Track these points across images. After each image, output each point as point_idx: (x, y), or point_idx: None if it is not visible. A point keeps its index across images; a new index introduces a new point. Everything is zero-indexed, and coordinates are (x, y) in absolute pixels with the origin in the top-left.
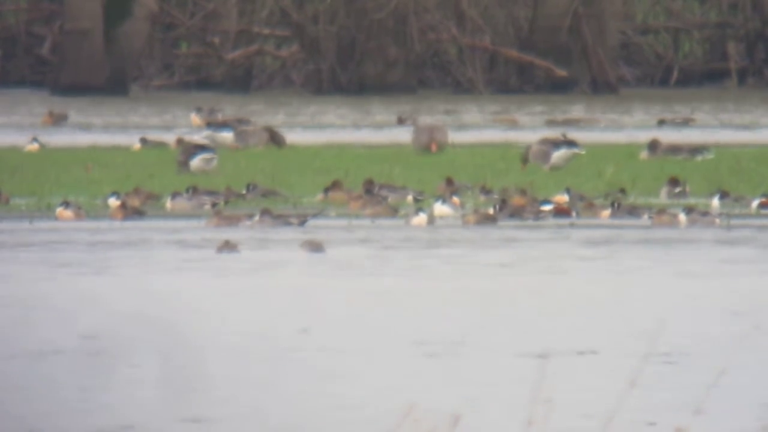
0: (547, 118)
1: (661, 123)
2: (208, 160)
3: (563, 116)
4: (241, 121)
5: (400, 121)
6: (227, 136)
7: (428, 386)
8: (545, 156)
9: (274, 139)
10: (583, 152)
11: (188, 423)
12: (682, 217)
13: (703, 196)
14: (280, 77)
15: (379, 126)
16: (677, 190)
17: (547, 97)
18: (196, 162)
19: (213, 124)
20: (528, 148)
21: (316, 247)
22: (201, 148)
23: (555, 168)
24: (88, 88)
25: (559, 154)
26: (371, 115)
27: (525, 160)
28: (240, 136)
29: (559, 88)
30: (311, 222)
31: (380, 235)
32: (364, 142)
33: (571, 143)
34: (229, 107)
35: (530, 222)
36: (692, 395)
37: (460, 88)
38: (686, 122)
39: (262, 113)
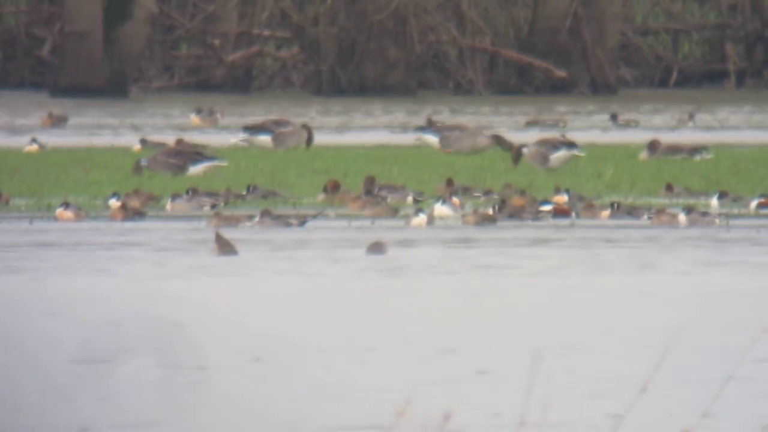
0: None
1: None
2: (209, 168)
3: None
4: (278, 123)
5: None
6: (265, 139)
7: (423, 385)
8: (543, 158)
9: (309, 138)
10: (583, 154)
11: (188, 423)
12: (682, 217)
13: (699, 195)
14: (280, 79)
15: (379, 127)
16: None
17: (545, 98)
18: (198, 169)
19: (250, 128)
20: (518, 148)
21: (378, 248)
22: (201, 155)
23: (551, 169)
24: (88, 90)
25: (558, 156)
26: (371, 116)
27: (516, 159)
28: (278, 138)
29: (558, 89)
30: (311, 223)
31: (379, 235)
32: (364, 144)
33: (570, 144)
34: (229, 109)
35: (530, 222)
36: (698, 398)
37: (460, 89)
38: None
39: (262, 115)
